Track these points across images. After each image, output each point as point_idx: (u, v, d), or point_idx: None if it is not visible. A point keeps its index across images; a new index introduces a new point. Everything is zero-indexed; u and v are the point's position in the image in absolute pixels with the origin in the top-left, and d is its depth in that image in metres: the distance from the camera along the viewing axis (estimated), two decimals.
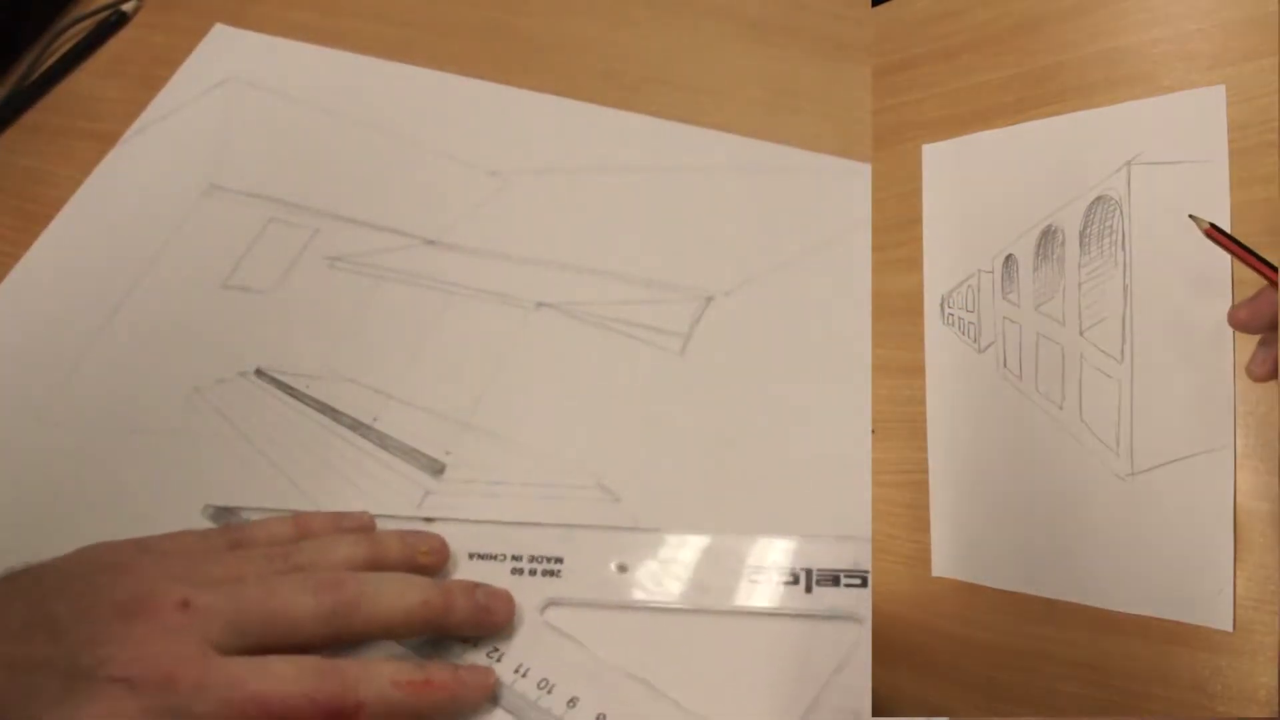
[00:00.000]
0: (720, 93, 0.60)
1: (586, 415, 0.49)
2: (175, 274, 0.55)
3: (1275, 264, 0.38)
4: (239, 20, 0.66)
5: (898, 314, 0.53)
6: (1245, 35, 0.41)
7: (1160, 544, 0.42)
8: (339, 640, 0.40)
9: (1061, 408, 0.46)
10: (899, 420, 0.52)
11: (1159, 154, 0.43)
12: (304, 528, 0.44)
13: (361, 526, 0.45)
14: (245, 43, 0.65)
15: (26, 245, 0.56)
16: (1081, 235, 0.45)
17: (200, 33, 0.65)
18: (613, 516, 0.46)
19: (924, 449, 0.51)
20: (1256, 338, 0.39)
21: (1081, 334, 0.45)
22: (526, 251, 0.55)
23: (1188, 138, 0.42)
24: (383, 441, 0.49)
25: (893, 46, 0.54)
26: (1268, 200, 0.40)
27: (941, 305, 0.51)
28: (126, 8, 0.67)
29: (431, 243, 0.55)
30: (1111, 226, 0.44)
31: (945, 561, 0.50)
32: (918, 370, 0.52)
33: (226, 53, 0.64)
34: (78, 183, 0.59)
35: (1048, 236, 0.46)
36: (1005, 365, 0.48)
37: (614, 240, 0.55)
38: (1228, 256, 0.40)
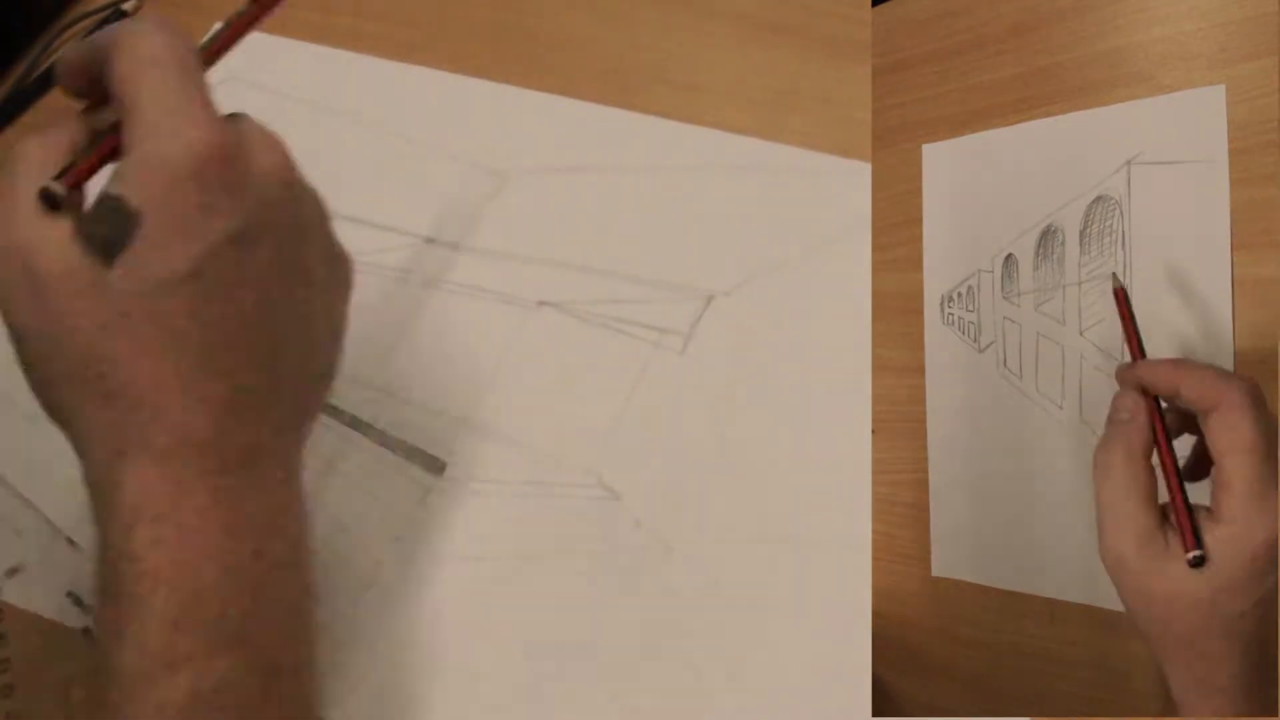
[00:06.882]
0: (720, 93, 0.60)
1: (587, 414, 0.49)
2: None
3: None
4: None
5: (898, 314, 0.53)
6: (1245, 35, 0.41)
7: None
8: None
9: (1061, 407, 0.46)
10: (899, 420, 0.52)
11: (1159, 154, 0.43)
12: None
13: None
14: (245, 42, 0.65)
15: None
16: (1081, 235, 0.45)
17: (200, 32, 0.65)
18: (614, 514, 0.46)
19: (924, 449, 0.51)
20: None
21: (1081, 334, 0.45)
22: (527, 250, 0.55)
23: (1188, 138, 0.42)
24: (383, 440, 0.49)
25: (893, 46, 0.54)
26: (1268, 200, 0.40)
27: (941, 305, 0.51)
28: (126, 7, 0.67)
29: (431, 242, 0.55)
30: (1111, 226, 0.44)
31: (945, 561, 0.50)
32: (918, 370, 0.52)
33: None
34: None
35: (1048, 236, 0.47)
36: (1005, 365, 0.48)
37: (614, 239, 0.55)
38: (1227, 257, 0.40)
